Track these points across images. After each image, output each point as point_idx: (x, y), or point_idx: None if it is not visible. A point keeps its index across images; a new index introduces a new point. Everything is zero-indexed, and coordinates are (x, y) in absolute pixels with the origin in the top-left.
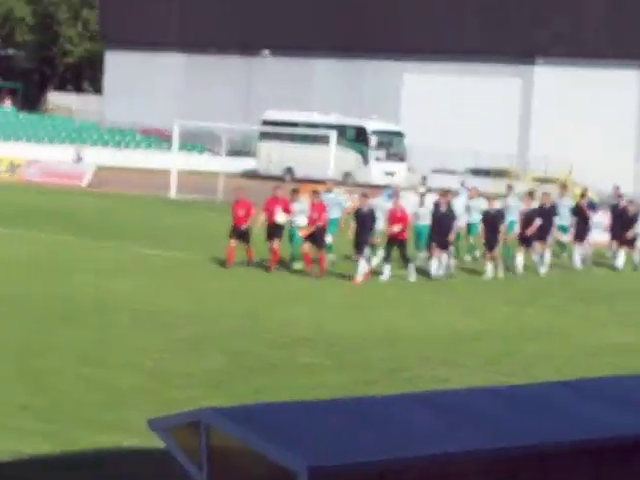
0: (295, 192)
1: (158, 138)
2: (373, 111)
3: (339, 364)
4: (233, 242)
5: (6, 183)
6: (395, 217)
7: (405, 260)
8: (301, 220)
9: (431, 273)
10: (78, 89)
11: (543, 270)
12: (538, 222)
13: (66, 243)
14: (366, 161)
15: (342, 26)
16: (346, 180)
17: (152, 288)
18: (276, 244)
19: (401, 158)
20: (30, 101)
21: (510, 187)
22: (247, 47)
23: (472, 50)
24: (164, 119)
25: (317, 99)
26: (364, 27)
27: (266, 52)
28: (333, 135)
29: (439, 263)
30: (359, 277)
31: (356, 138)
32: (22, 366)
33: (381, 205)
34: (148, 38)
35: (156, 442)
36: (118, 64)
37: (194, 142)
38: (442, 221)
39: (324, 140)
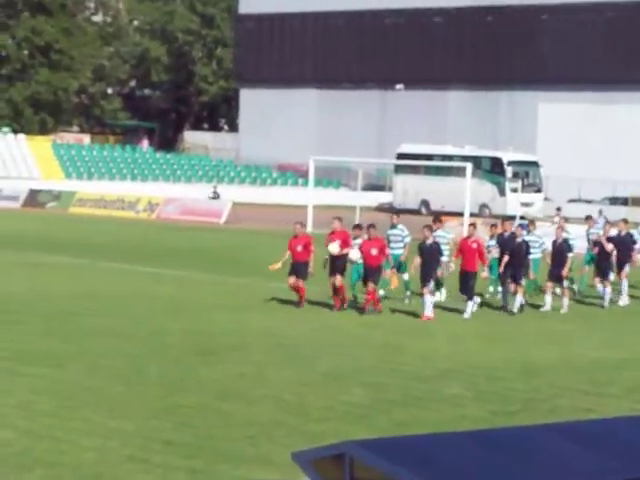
0: (357, 227)
1: (294, 174)
2: (508, 142)
3: (479, 395)
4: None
5: (145, 222)
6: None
7: (468, 292)
8: (353, 254)
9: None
10: (213, 127)
11: None
12: None
13: (203, 280)
14: (502, 192)
15: (475, 58)
16: (482, 212)
17: (289, 323)
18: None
19: (537, 189)
20: (167, 140)
21: None
22: (381, 81)
23: (607, 78)
24: (299, 155)
25: (451, 131)
26: (497, 58)
27: (400, 86)
28: (469, 167)
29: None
30: (428, 312)
31: (492, 169)
32: (165, 402)
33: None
34: (282, 75)
35: (297, 476)
36: (253, 101)
37: (329, 177)
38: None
39: (460, 172)
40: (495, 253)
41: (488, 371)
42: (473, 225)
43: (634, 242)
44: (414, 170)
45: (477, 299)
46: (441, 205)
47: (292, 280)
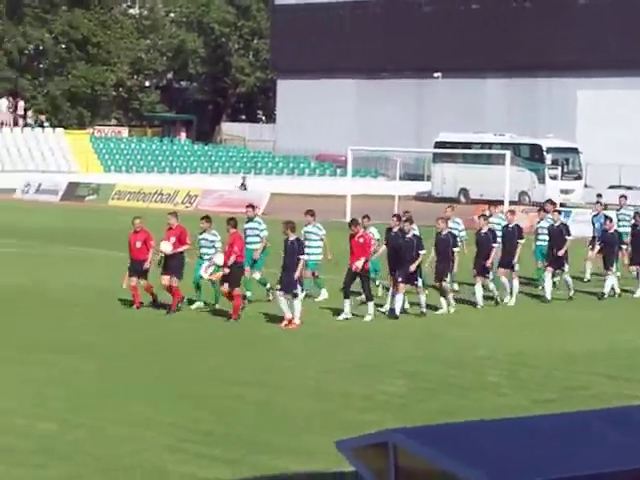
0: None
1: (332, 164)
2: (547, 129)
3: (519, 383)
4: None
5: (184, 214)
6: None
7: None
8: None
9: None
10: (251, 118)
11: None
12: None
13: None
14: (542, 180)
15: (513, 44)
16: (522, 199)
17: (323, 313)
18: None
19: (577, 176)
20: (204, 132)
21: None
22: (418, 70)
23: None
24: (337, 145)
25: (489, 119)
26: (535, 45)
27: (437, 74)
28: (508, 155)
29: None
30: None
31: (531, 157)
32: (203, 392)
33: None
34: (319, 65)
35: (339, 466)
36: (290, 92)
37: (367, 166)
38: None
39: (499, 160)
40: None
41: (528, 359)
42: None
43: None
44: (452, 158)
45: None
46: (480, 193)
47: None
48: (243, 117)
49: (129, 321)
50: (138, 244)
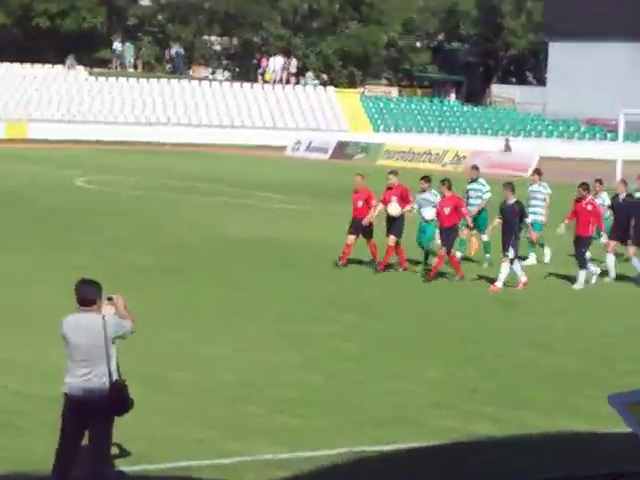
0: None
1: (602, 128)
2: None
3: None
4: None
5: (452, 174)
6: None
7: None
8: (427, 213)
9: None
10: (521, 81)
11: None
12: None
13: None
14: None
15: None
16: None
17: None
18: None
19: None
20: (474, 94)
21: None
22: None
23: None
24: (608, 109)
25: None
26: None
27: None
28: None
29: None
30: (499, 283)
31: None
32: (468, 351)
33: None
34: (593, 28)
35: (605, 427)
36: (561, 55)
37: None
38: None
39: None
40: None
41: None
42: (584, 186)
43: None
44: None
45: (596, 269)
46: None
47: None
48: (513, 79)
49: (399, 280)
50: (360, 203)
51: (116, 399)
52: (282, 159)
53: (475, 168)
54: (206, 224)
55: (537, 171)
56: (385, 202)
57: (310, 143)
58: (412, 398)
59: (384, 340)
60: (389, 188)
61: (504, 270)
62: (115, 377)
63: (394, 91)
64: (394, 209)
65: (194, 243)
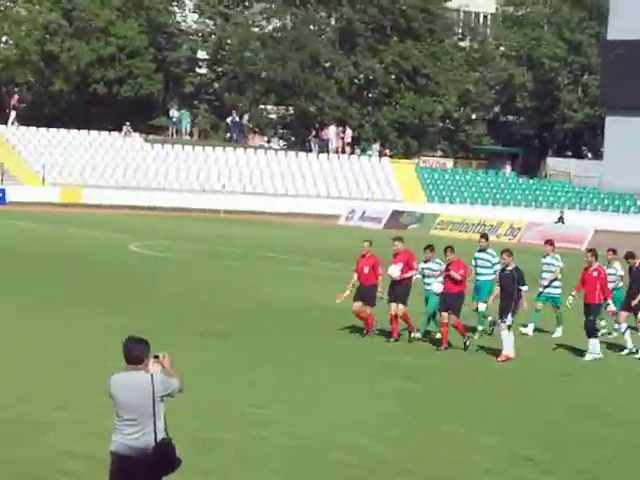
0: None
1: None
2: None
3: None
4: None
5: (506, 246)
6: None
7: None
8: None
9: None
10: (576, 154)
11: None
12: None
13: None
14: None
15: None
16: None
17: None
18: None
19: None
20: (529, 166)
21: None
22: None
23: None
24: None
25: None
26: None
27: None
28: None
29: None
30: (507, 352)
31: None
32: (521, 418)
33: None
34: None
35: None
36: (618, 129)
37: None
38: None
39: None
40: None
41: None
42: (592, 252)
43: None
44: None
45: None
46: None
47: (356, 306)
48: (569, 152)
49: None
50: (366, 269)
51: (162, 458)
52: (335, 228)
53: (484, 237)
54: (258, 290)
55: (550, 242)
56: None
57: (364, 212)
58: (465, 465)
59: (439, 405)
60: (395, 255)
61: (506, 338)
62: (162, 436)
63: (449, 162)
64: (394, 271)
65: (246, 308)
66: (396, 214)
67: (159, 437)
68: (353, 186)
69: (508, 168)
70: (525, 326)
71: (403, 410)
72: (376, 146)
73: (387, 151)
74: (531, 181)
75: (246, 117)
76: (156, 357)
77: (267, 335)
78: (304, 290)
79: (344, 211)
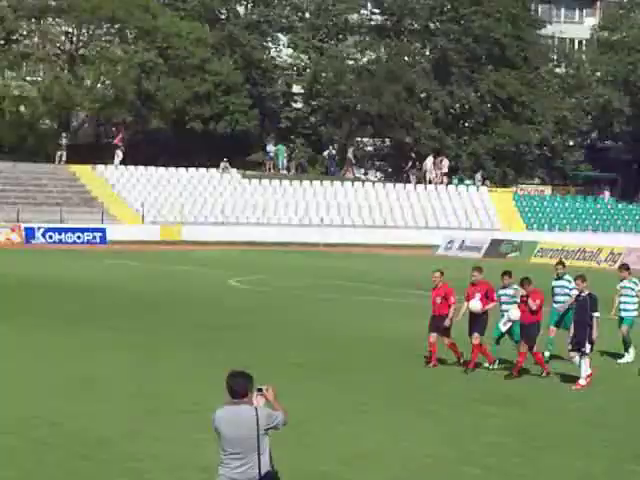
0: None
1: None
2: None
3: None
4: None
5: (607, 273)
6: None
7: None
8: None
9: None
10: None
11: None
12: None
13: None
14: None
15: None
16: None
17: None
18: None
19: None
20: (628, 191)
21: None
22: None
23: None
24: None
25: None
26: None
27: None
28: None
29: None
30: (583, 380)
31: None
32: (631, 447)
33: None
34: None
35: None
36: None
37: None
38: None
39: None
40: None
41: None
42: (624, 266)
43: None
44: None
45: None
46: None
47: (433, 337)
48: None
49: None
50: (438, 299)
51: None
52: (434, 258)
53: (561, 264)
54: (359, 322)
55: (625, 266)
56: (468, 298)
57: (463, 242)
58: None
59: (545, 436)
60: (473, 285)
61: (584, 365)
62: (267, 469)
63: (547, 189)
64: (475, 305)
65: (348, 341)
66: (495, 243)
67: (264, 470)
68: (451, 216)
69: (607, 194)
70: (622, 356)
71: (510, 440)
72: (478, 175)
73: (486, 180)
74: (630, 206)
75: (351, 150)
76: (259, 390)
77: (370, 368)
78: (407, 321)
79: (443, 241)
